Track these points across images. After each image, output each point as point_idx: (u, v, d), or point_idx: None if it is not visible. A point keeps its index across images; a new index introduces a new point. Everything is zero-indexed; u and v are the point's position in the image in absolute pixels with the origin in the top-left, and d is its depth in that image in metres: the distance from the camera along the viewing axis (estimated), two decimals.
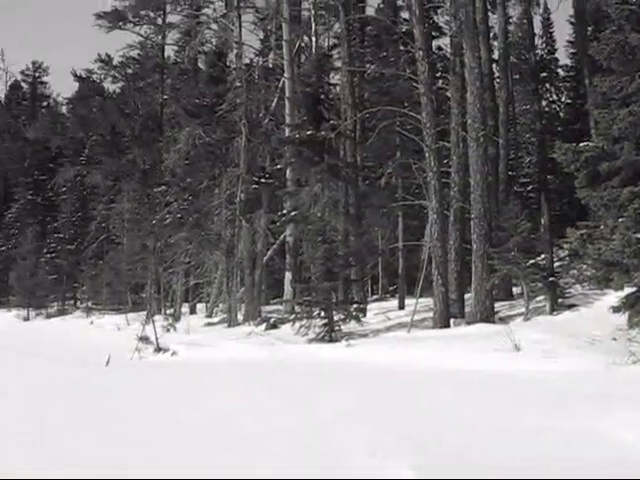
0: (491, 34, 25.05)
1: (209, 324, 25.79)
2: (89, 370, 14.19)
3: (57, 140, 46.75)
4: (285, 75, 26.32)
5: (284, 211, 24.03)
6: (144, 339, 17.20)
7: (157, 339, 17.23)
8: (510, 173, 24.49)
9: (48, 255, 42.11)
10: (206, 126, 26.58)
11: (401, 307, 22.72)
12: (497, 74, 25.97)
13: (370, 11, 30.27)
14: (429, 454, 6.23)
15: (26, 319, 39.32)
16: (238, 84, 26.42)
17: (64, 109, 56.68)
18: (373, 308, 22.57)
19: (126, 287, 33.15)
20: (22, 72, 58.56)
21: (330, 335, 17.10)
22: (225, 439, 7.19)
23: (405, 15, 26.77)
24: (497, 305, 18.51)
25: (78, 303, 42.06)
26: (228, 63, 31.81)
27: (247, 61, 29.82)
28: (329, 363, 14.41)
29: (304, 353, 16.03)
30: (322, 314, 17.38)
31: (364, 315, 19.57)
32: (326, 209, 21.78)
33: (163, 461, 6.27)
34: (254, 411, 8.84)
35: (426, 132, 18.34)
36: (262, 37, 34.14)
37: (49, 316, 39.43)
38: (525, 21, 29.16)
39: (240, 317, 24.21)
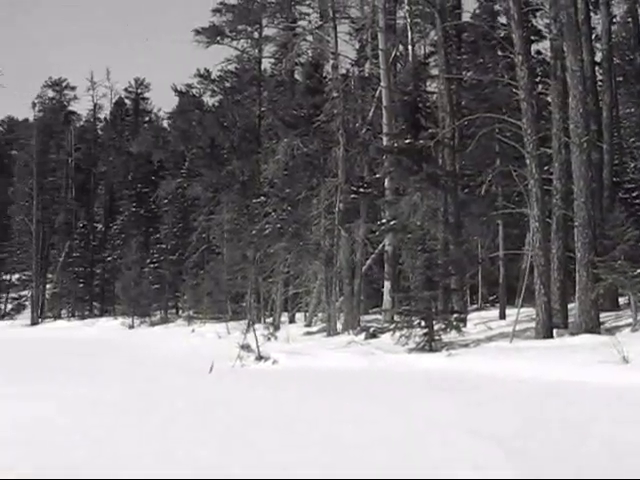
0: (593, 35, 24.40)
1: (308, 333, 25.93)
2: (193, 377, 14.52)
3: (159, 154, 48.21)
4: (382, 84, 26.32)
5: (383, 220, 23.92)
6: (246, 347, 17.42)
7: (258, 347, 17.44)
8: (615, 179, 23.68)
9: (151, 265, 43.38)
10: (304, 137, 26.83)
11: (502, 317, 22.27)
12: (600, 77, 25.23)
13: (466, 17, 29.91)
14: (535, 468, 6.08)
15: (131, 327, 40.50)
16: (335, 94, 26.55)
17: (165, 123, 58.58)
18: (473, 318, 22.20)
19: (226, 296, 33.70)
20: (125, 89, 60.99)
21: (430, 345, 16.92)
22: (325, 448, 7.23)
23: (503, 20, 26.38)
24: (602, 315, 17.85)
25: (180, 312, 43.07)
26: (324, 74, 32.12)
27: (343, 71, 30.06)
28: (429, 373, 14.25)
29: (404, 362, 15.90)
30: (422, 323, 17.20)
31: (464, 325, 19.25)
32: (425, 218, 21.58)
33: (264, 468, 6.39)
34: (354, 420, 8.86)
35: (527, 138, 17.96)
36: (358, 47, 34.39)
37: (152, 324, 40.48)
38: (630, 20, 28.23)
39: (339, 326, 24.24)
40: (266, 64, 40.19)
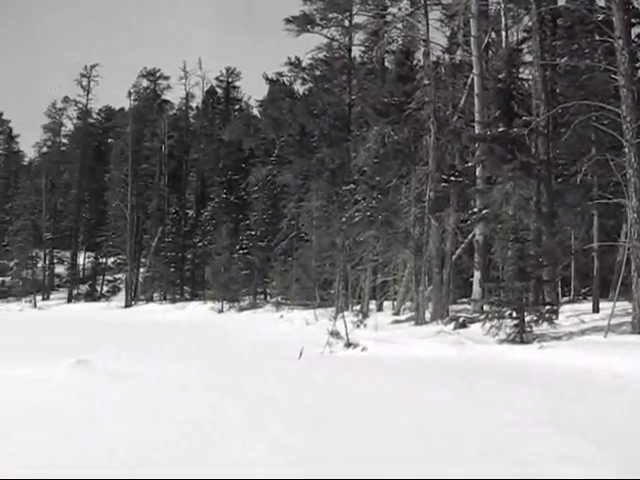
0: None
1: (396, 322, 25.89)
2: (283, 363, 14.72)
3: (249, 141, 48.84)
4: (474, 71, 25.90)
5: (474, 209, 23.62)
6: (335, 334, 17.56)
7: (347, 334, 17.55)
8: None
9: (241, 251, 44.06)
10: (394, 125, 26.73)
11: (595, 310, 21.67)
12: None
13: (562, 1, 29.11)
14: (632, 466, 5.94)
15: (220, 311, 41.30)
16: (426, 82, 26.29)
17: (255, 111, 59.26)
18: (565, 310, 21.67)
19: (314, 283, 33.97)
20: (217, 78, 61.87)
21: (521, 336, 16.65)
22: (414, 437, 7.23)
23: (601, 3, 25.51)
24: None
25: (268, 297, 43.66)
26: (415, 61, 31.85)
27: (434, 59, 29.71)
28: (520, 365, 14.05)
29: (494, 353, 15.71)
30: (513, 314, 16.94)
31: (556, 317, 18.84)
32: (518, 207, 21.18)
33: (352, 456, 6.45)
34: (443, 410, 8.83)
35: (626, 126, 17.34)
36: (449, 34, 33.91)
37: (241, 309, 41.18)
38: None
39: (427, 315, 24.11)
40: (356, 52, 40.19)
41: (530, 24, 26.50)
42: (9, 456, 6.42)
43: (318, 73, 42.79)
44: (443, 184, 25.02)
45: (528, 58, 28.68)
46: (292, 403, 9.51)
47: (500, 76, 24.28)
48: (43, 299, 59.36)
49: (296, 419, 8.34)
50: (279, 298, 39.31)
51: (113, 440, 7.01)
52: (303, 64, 42.46)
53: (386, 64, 36.86)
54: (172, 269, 51.00)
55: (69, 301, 58.09)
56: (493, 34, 30.51)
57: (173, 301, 49.79)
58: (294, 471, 5.85)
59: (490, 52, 30.89)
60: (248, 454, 6.48)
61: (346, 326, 17.85)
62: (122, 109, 70.55)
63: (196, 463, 6.19)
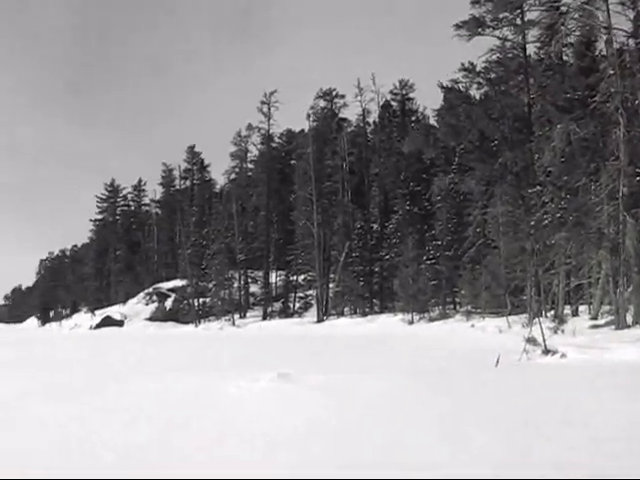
0: None
1: (595, 326, 24.70)
2: (479, 370, 14.46)
3: (429, 151, 48.68)
4: None
5: None
6: (531, 341, 17.01)
7: (544, 341, 16.96)
8: None
9: (428, 262, 44.02)
10: (579, 120, 25.67)
11: None
12: None
13: None
14: None
15: (410, 322, 41.38)
16: (611, 72, 25.00)
17: (432, 121, 59.02)
18: None
19: (505, 290, 33.19)
20: (391, 92, 62.39)
21: None
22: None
23: None
24: None
25: (458, 307, 43.19)
26: (597, 51, 30.44)
27: (618, 46, 28.14)
28: None
29: None
30: None
31: None
32: None
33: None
34: None
35: None
36: (633, 17, 32.02)
37: (431, 319, 41.01)
38: None
39: (629, 318, 22.79)
40: (531, 49, 38.93)
41: None
42: (222, 459, 6.78)
43: (493, 76, 41.91)
44: (638, 179, 23.63)
45: None
46: (490, 410, 9.29)
47: None
48: (240, 317, 62.39)
49: (494, 426, 8.15)
50: (469, 307, 38.84)
51: (323, 454, 7.19)
52: (477, 68, 41.76)
53: (564, 58, 35.45)
54: (361, 283, 51.77)
55: (264, 318, 60.56)
56: None
57: (363, 314, 50.51)
58: None
59: None
60: (452, 463, 6.42)
61: (542, 332, 17.26)
62: (302, 131, 72.85)
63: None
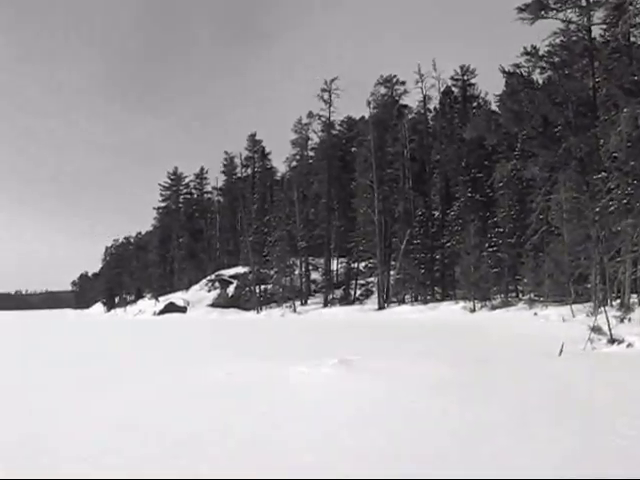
0: None
1: None
2: (543, 359, 14.36)
3: (491, 137, 48.03)
4: None
5: None
6: (596, 330, 16.78)
7: (610, 330, 16.71)
8: None
9: (489, 249, 43.64)
10: None
11: None
12: None
13: None
14: None
15: (472, 310, 41.12)
16: None
17: (494, 106, 58.20)
18: None
19: (568, 278, 32.67)
20: (452, 78, 61.76)
21: None
22: None
23: None
24: None
25: (520, 295, 42.73)
26: None
27: None
28: None
29: None
30: None
31: None
32: None
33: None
34: None
35: None
36: None
37: (493, 307, 40.68)
38: None
39: None
40: (596, 31, 38.02)
41: None
42: (280, 445, 6.95)
43: (557, 59, 41.05)
44: None
45: None
46: (560, 402, 9.22)
47: None
48: (301, 304, 62.87)
49: (556, 416, 8.11)
50: (531, 295, 38.38)
51: (385, 437, 7.30)
52: (540, 52, 40.96)
53: (632, 39, 34.53)
54: (422, 270, 51.61)
55: (325, 305, 60.90)
56: None
57: (424, 302, 50.36)
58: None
59: None
60: (514, 455, 6.46)
61: (608, 321, 17.00)
62: (362, 118, 72.74)
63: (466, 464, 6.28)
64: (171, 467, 6.32)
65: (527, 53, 41.09)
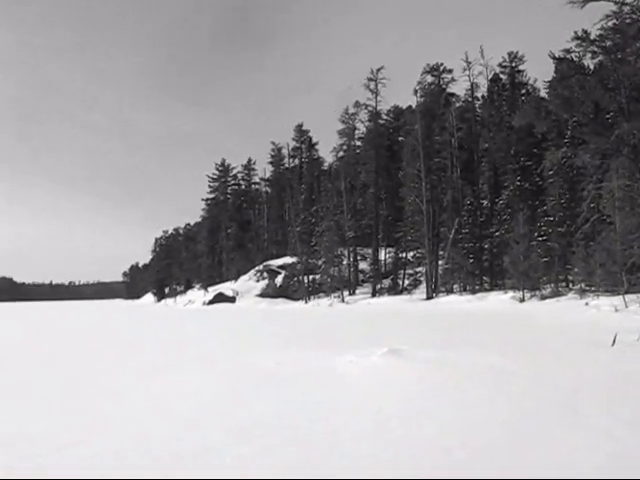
0: None
1: None
2: (595, 350, 14.19)
3: (541, 125, 47.33)
4: None
5: None
6: None
7: None
8: None
9: (539, 238, 43.11)
10: None
11: None
12: None
13: None
14: None
15: (521, 300, 40.71)
16: None
17: (543, 93, 57.34)
18: None
19: (621, 268, 32.10)
20: (500, 64, 60.89)
21: None
22: None
23: None
24: None
25: (571, 285, 42.14)
26: None
27: None
28: None
29: None
30: None
31: None
32: None
33: None
34: None
35: None
36: None
37: (543, 297, 40.19)
38: None
39: None
40: None
41: None
42: (329, 434, 7.03)
43: (609, 43, 40.23)
44: None
45: None
46: (614, 394, 9.12)
47: None
48: (349, 294, 62.95)
49: (617, 412, 8.01)
50: (583, 285, 37.82)
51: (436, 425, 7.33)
52: (591, 36, 40.19)
53: None
54: (470, 260, 51.23)
55: (373, 295, 60.87)
56: None
57: (473, 292, 50.00)
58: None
59: None
60: (567, 446, 6.43)
61: None
62: (409, 107, 72.29)
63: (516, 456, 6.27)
64: (234, 456, 6.45)
65: (578, 38, 40.29)
